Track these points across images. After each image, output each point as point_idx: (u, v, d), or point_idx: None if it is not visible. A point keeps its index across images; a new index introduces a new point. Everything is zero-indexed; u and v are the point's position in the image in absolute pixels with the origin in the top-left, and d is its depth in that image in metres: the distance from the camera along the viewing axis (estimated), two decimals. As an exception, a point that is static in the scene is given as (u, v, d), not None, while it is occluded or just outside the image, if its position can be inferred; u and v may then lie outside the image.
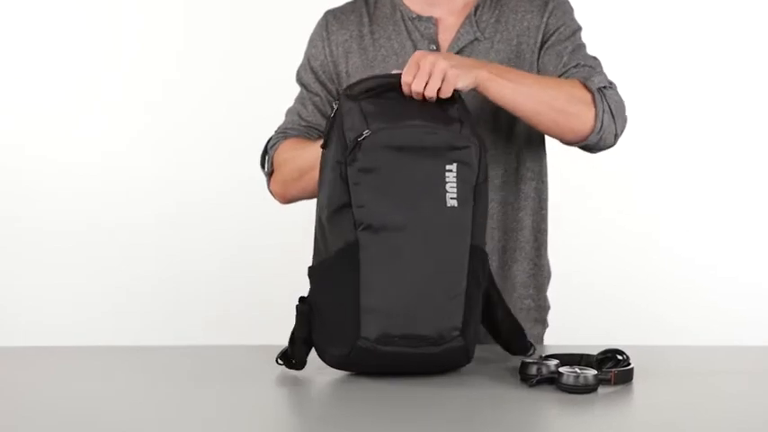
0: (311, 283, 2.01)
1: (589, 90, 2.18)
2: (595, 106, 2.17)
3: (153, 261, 3.70)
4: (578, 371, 1.88)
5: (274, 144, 2.37)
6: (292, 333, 2.00)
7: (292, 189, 2.33)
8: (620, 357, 1.96)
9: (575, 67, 2.26)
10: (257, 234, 3.67)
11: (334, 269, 1.96)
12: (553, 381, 1.89)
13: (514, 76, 2.12)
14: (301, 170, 2.27)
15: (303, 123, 2.38)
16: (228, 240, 3.71)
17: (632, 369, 1.95)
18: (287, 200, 2.37)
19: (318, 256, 2.01)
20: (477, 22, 2.31)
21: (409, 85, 2.01)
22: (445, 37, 2.32)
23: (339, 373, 1.98)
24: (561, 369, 1.89)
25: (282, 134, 2.39)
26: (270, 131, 3.57)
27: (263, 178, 2.40)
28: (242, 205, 3.65)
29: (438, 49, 2.30)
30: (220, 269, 3.69)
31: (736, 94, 3.78)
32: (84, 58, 3.70)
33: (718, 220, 3.79)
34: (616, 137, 2.21)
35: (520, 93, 2.12)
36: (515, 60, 2.29)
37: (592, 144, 2.21)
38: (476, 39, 2.31)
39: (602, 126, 2.18)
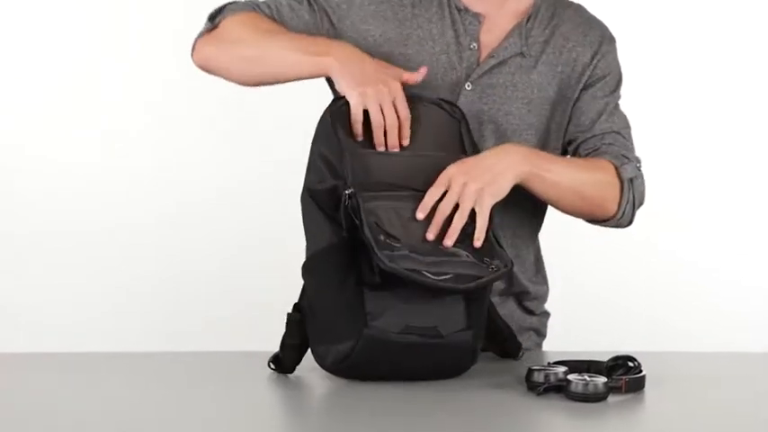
0: (308, 278, 1.91)
1: (620, 179, 2.10)
2: (621, 197, 2.10)
3: (153, 261, 3.63)
4: (587, 378, 1.78)
5: (236, 10, 2.11)
6: (283, 339, 1.93)
7: (217, 68, 2.11)
8: (631, 364, 1.87)
9: (610, 134, 2.14)
10: (258, 234, 3.58)
11: (336, 257, 1.86)
12: (561, 389, 1.79)
13: (555, 171, 2.03)
14: (249, 60, 2.06)
15: (276, 18, 2.13)
16: (229, 240, 3.63)
17: (644, 376, 1.85)
18: (203, 69, 2.15)
19: (315, 245, 1.90)
20: (526, 35, 2.15)
21: (432, 204, 1.88)
22: (489, 39, 2.14)
23: (338, 379, 1.89)
24: (570, 376, 1.79)
25: (252, 5, 2.13)
26: (270, 132, 3.56)
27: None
28: (243, 205, 3.58)
29: (479, 49, 2.12)
30: (221, 269, 3.62)
31: (738, 96, 3.70)
32: (84, 58, 3.62)
33: (722, 223, 3.71)
34: (630, 222, 2.16)
35: (559, 189, 2.04)
36: (556, 95, 2.14)
37: (605, 225, 2.17)
38: (521, 53, 2.14)
39: (621, 216, 2.12)
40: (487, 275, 1.83)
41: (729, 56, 3.68)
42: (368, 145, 1.94)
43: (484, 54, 2.13)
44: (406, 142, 1.95)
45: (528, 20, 2.15)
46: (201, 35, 2.14)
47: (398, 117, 1.95)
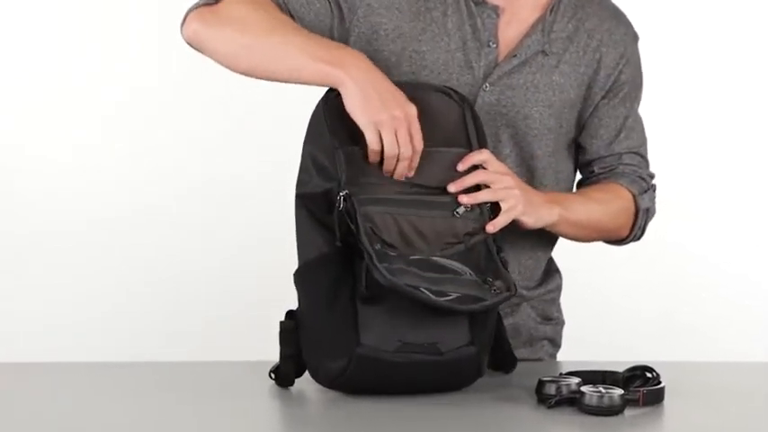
0: (299, 289, 1.77)
1: (636, 207, 2.03)
2: (634, 224, 2.04)
3: (154, 261, 3.54)
4: (602, 390, 1.66)
5: None
6: (280, 349, 1.78)
7: (208, 48, 1.88)
8: (649, 375, 1.74)
9: (628, 154, 2.03)
10: (259, 234, 3.47)
11: (327, 269, 1.71)
12: (574, 401, 1.67)
13: (577, 214, 1.95)
14: (248, 49, 1.83)
15: (286, 4, 1.91)
16: (230, 241, 3.54)
17: (663, 388, 1.72)
18: (192, 45, 1.89)
19: (305, 255, 1.76)
20: (548, 30, 1.96)
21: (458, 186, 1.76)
22: (508, 34, 1.95)
23: (337, 391, 1.76)
24: (583, 388, 1.68)
25: None
26: (271, 131, 3.45)
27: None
28: (244, 206, 3.49)
29: (497, 47, 1.93)
30: (221, 269, 3.53)
31: (749, 88, 3.58)
32: (84, 58, 3.54)
33: (742, 222, 3.59)
34: (639, 239, 2.09)
35: (581, 227, 1.97)
36: (576, 97, 1.98)
37: (612, 245, 2.12)
38: (542, 51, 1.95)
39: (632, 239, 2.07)
40: (491, 299, 1.69)
41: (739, 48, 3.58)
42: (361, 142, 1.76)
43: (503, 51, 1.95)
44: (412, 173, 1.77)
45: (550, 12, 1.97)
46: (198, 6, 1.89)
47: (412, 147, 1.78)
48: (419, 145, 1.75)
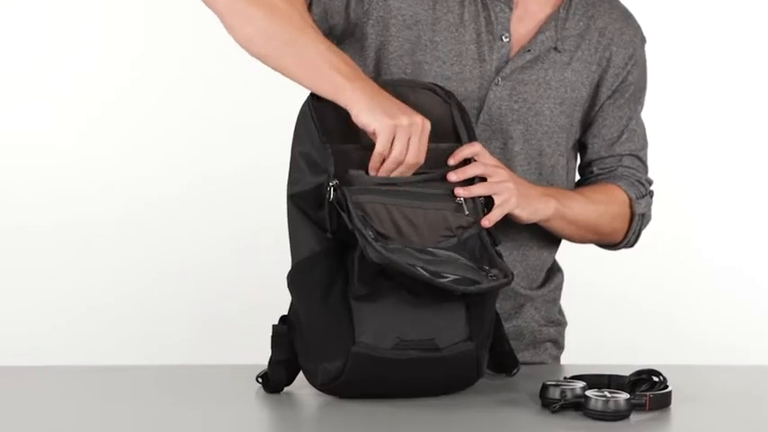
0: (292, 289, 1.73)
1: (631, 211, 2.01)
2: (629, 229, 2.02)
3: (144, 262, 3.53)
4: (608, 394, 1.63)
5: None
6: (271, 355, 1.75)
7: (224, 16, 1.80)
8: (655, 379, 1.69)
9: (628, 156, 2.02)
10: (258, 234, 3.39)
11: (319, 268, 1.68)
12: (579, 406, 1.64)
13: (575, 209, 1.94)
14: (271, 38, 1.78)
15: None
16: (227, 242, 3.52)
17: (670, 392, 1.68)
18: (206, 3, 1.83)
19: (298, 255, 1.72)
20: (561, 27, 1.94)
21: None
22: (520, 29, 1.92)
23: (330, 396, 1.72)
24: (588, 392, 1.64)
25: None
26: (265, 129, 3.36)
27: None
28: (243, 207, 3.48)
29: (510, 41, 1.91)
30: (215, 269, 3.52)
31: (750, 86, 3.56)
32: (82, 56, 3.52)
33: (757, 224, 3.57)
34: (633, 245, 2.08)
35: (576, 226, 1.96)
36: (587, 95, 1.96)
37: (605, 249, 2.10)
38: (555, 47, 1.93)
39: (625, 244, 2.05)
40: (487, 282, 1.67)
41: (747, 51, 3.56)
42: (352, 140, 1.74)
43: (515, 46, 1.92)
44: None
45: (563, 9, 1.95)
46: None
47: None
48: (424, 157, 1.73)
